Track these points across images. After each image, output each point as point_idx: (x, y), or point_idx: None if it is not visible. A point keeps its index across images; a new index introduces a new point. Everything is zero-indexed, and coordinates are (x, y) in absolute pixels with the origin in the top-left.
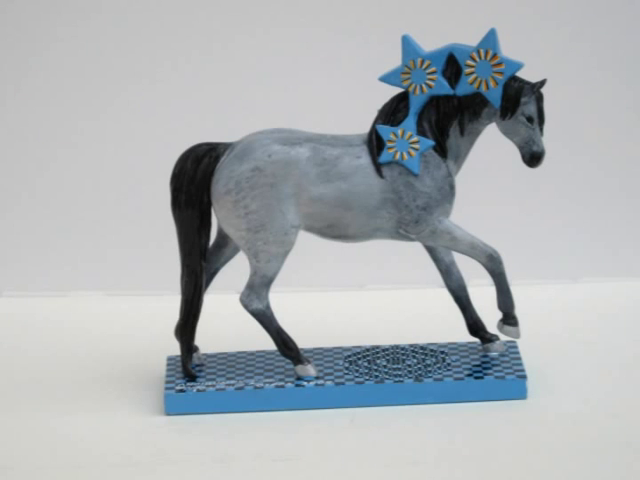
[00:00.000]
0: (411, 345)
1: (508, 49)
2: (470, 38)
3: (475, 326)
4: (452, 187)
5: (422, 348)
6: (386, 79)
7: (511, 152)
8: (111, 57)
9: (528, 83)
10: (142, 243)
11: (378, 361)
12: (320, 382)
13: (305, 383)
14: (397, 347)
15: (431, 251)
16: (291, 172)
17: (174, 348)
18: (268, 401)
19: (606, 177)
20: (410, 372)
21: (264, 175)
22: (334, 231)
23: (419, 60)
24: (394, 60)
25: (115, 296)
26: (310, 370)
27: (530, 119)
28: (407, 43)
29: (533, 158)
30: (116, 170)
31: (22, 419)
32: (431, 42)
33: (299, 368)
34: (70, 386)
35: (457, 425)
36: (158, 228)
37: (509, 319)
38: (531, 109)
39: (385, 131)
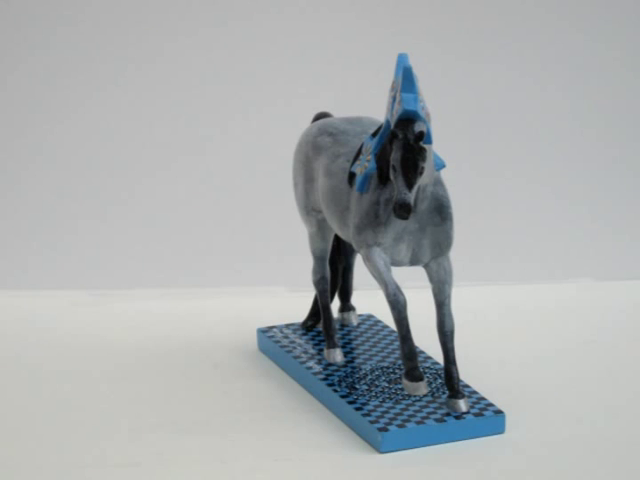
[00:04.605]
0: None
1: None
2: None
3: (446, 374)
4: (377, 216)
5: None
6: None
7: (513, 154)
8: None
9: (405, 131)
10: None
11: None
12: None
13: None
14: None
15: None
16: (317, 157)
17: (176, 353)
18: (301, 377)
19: (607, 178)
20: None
21: (301, 152)
22: (330, 224)
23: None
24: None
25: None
26: (336, 356)
27: (393, 166)
28: (397, 62)
29: (392, 206)
30: (123, 169)
31: (24, 419)
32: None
33: (326, 351)
34: (71, 385)
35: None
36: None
37: (406, 372)
38: (393, 156)
39: (366, 142)
